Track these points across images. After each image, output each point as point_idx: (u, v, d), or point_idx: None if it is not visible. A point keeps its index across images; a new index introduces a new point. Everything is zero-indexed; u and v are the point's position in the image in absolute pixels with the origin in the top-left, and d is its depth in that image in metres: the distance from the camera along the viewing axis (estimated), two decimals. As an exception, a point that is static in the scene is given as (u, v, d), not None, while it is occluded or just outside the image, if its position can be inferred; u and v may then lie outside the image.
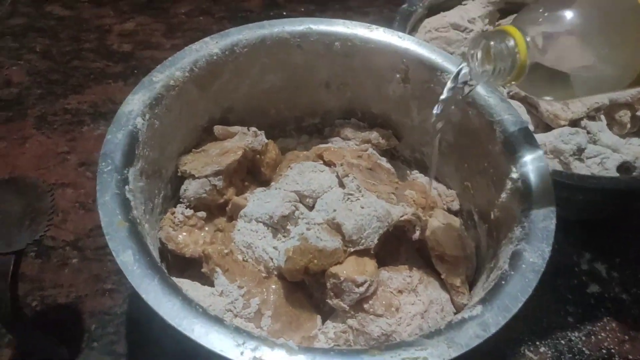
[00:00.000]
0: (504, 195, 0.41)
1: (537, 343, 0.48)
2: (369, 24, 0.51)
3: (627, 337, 0.49)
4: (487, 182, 0.44)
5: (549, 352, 0.48)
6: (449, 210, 0.49)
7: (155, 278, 0.30)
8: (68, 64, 0.75)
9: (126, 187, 0.36)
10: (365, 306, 0.37)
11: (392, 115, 0.55)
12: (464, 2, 0.70)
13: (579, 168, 0.53)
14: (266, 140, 0.52)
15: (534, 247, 0.34)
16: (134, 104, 0.41)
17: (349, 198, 0.40)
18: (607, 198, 0.50)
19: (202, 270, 0.42)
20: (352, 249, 0.37)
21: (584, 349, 0.48)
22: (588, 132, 0.56)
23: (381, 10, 0.92)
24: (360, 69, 0.52)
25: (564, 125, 0.55)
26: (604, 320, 0.50)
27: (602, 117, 0.60)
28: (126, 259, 0.31)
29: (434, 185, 0.51)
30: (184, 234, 0.44)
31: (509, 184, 0.40)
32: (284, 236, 0.41)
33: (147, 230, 0.38)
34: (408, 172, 0.55)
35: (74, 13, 0.84)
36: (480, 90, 0.45)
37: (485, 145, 0.44)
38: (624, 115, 0.62)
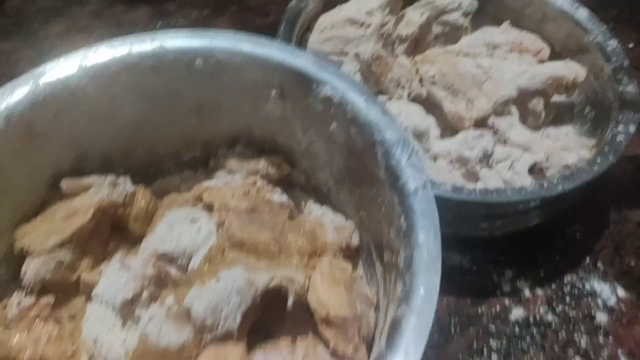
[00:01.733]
0: (391, 232, 0.35)
1: (460, 393, 0.43)
2: (234, 33, 0.43)
3: (556, 367, 0.44)
4: (378, 213, 0.38)
5: (473, 398, 0.43)
6: (348, 248, 0.42)
7: None
8: None
9: None
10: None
11: (278, 138, 0.48)
12: (362, -10, 0.63)
13: (487, 176, 0.47)
14: (131, 189, 0.44)
15: (413, 311, 0.28)
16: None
17: (209, 264, 0.33)
18: (513, 210, 0.45)
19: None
20: (208, 337, 0.30)
21: (511, 390, 0.43)
22: (496, 132, 0.50)
23: (283, 8, 0.84)
24: (232, 87, 0.45)
25: (469, 127, 0.50)
26: (531, 353, 0.45)
27: (514, 109, 0.55)
28: None
29: (331, 218, 0.45)
30: (22, 332, 0.36)
31: (393, 219, 0.34)
32: (136, 323, 0.34)
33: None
34: (303, 203, 0.48)
35: None
36: (361, 103, 0.39)
37: (371, 170, 0.38)
38: (538, 104, 0.57)
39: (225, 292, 0.30)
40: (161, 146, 0.48)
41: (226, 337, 0.31)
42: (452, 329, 0.46)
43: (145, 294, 0.34)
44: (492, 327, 0.46)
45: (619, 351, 0.45)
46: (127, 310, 0.34)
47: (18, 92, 0.38)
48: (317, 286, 0.34)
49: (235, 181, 0.47)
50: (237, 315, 0.31)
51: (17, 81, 0.39)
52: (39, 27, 0.77)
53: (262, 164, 0.48)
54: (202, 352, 0.30)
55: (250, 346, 0.33)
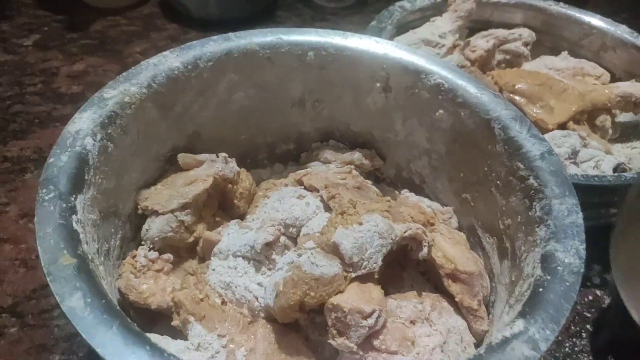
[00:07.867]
0: (513, 198, 0.37)
1: (564, 371, 0.43)
2: (343, 31, 0.48)
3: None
4: (488, 190, 0.40)
5: (579, 379, 0.42)
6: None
7: (113, 325, 0.23)
8: (8, 109, 0.67)
9: (74, 216, 0.29)
10: (376, 343, 0.31)
11: (374, 131, 0.51)
12: (432, 19, 0.69)
13: (575, 172, 0.50)
14: (238, 168, 0.46)
15: (565, 245, 0.29)
16: (82, 123, 0.35)
17: (342, 216, 0.35)
18: (610, 197, 0.47)
19: (173, 323, 0.35)
20: (353, 274, 0.31)
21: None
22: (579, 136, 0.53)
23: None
24: (337, 81, 0.48)
25: (552, 129, 0.53)
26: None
27: (585, 123, 0.59)
28: (74, 303, 0.24)
29: (428, 204, 0.47)
30: (149, 281, 0.37)
31: (517, 185, 0.36)
32: (270, 269, 0.35)
33: (101, 273, 0.31)
34: (397, 192, 0.50)
35: (16, 57, 0.77)
36: (471, 88, 0.42)
37: (484, 148, 0.40)
38: (605, 121, 0.60)
39: (370, 233, 0.32)
40: (261, 135, 0.51)
41: (367, 278, 0.32)
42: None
43: (282, 239, 0.35)
44: (587, 314, 0.47)
45: None
46: (266, 253, 0.35)
47: (160, 63, 0.42)
48: (441, 243, 0.35)
49: (332, 169, 0.50)
50: (379, 257, 0.32)
51: (161, 55, 0.43)
52: (122, 47, 0.84)
53: (356, 155, 0.50)
54: (348, 286, 0.31)
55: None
